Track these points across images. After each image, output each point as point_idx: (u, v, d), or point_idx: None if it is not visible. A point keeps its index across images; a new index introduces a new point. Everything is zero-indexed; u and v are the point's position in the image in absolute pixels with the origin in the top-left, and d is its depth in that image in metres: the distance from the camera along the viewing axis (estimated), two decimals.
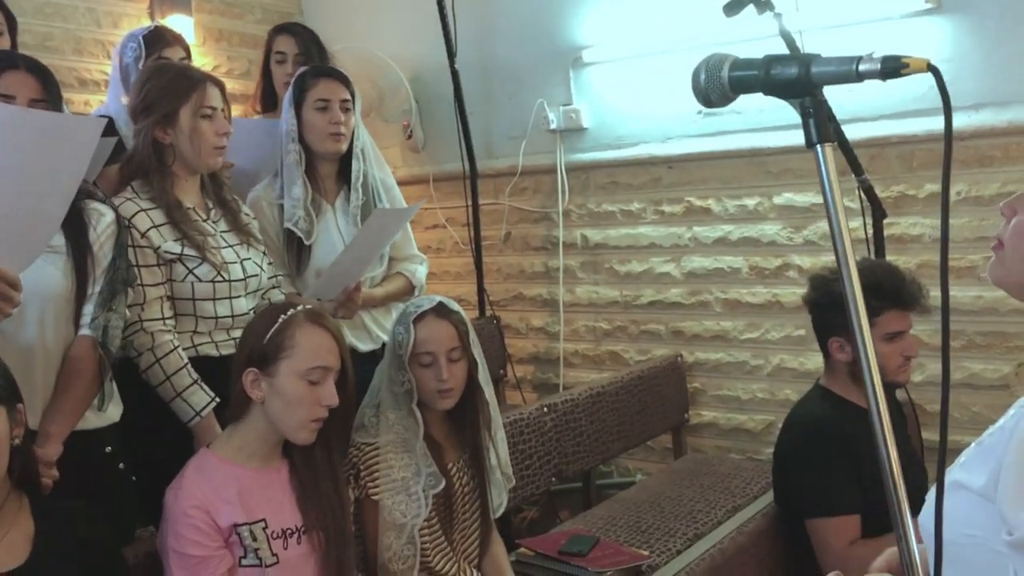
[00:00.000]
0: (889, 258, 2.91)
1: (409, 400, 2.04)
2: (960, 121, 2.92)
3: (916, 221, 3.04)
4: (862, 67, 0.82)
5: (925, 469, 2.41)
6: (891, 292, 2.24)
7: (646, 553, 2.49)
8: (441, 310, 2.07)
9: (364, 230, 2.38)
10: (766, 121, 3.27)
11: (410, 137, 4.12)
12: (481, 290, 3.84)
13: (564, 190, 3.76)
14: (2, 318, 1.65)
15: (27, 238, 1.69)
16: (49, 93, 1.94)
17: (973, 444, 1.14)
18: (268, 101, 3.01)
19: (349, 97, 2.53)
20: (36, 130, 1.64)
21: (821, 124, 0.85)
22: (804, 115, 0.86)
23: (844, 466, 2.19)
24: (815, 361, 3.27)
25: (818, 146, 0.85)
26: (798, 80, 0.85)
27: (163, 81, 2.18)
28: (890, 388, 2.34)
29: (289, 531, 1.78)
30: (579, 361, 3.83)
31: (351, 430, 2.02)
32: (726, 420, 3.49)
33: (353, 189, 2.54)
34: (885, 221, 2.92)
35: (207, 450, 1.83)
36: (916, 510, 2.27)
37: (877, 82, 0.90)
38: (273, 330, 1.76)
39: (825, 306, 2.29)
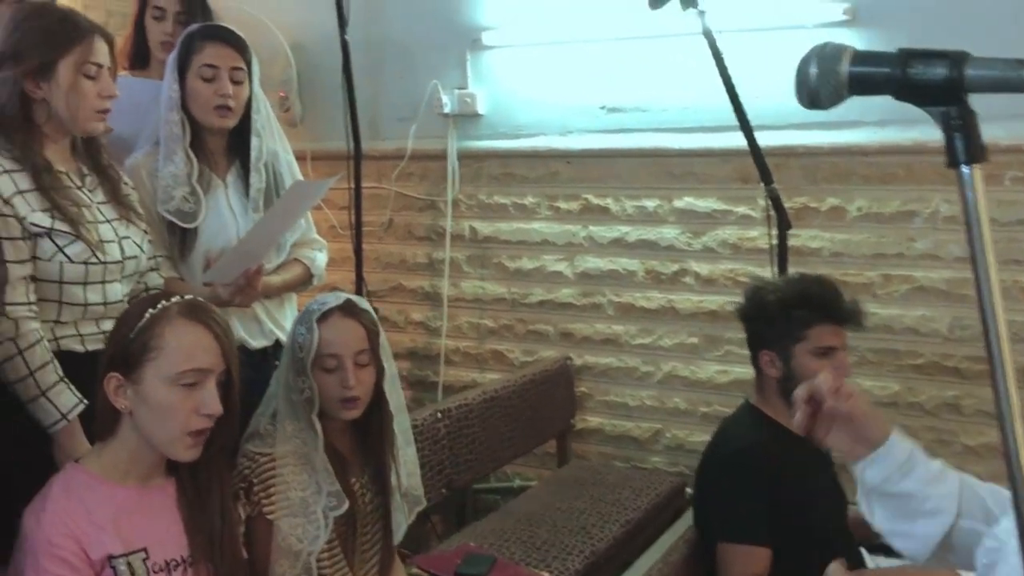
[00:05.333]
0: (790, 270, 2.88)
1: (309, 410, 1.79)
2: (864, 137, 2.91)
3: (816, 234, 3.01)
4: None
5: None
6: (821, 303, 2.15)
7: (547, 575, 2.35)
8: (349, 308, 1.83)
9: (279, 205, 2.11)
10: (671, 122, 3.18)
11: (287, 110, 3.80)
12: (359, 278, 3.58)
13: (454, 178, 3.54)
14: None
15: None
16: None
17: None
18: (138, 59, 2.64)
19: (243, 65, 2.22)
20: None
21: (972, 140, 0.69)
22: (948, 128, 0.70)
23: (762, 496, 2.07)
24: (707, 371, 3.22)
25: (964, 167, 0.70)
26: (946, 83, 0.70)
27: (42, 26, 1.83)
28: None
29: (174, 562, 1.52)
30: (460, 359, 3.63)
31: (238, 441, 1.77)
32: (612, 427, 3.38)
33: (254, 170, 2.24)
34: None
35: (76, 465, 1.53)
36: (849, 540, 2.20)
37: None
38: (139, 327, 1.49)
39: (756, 319, 2.20)
